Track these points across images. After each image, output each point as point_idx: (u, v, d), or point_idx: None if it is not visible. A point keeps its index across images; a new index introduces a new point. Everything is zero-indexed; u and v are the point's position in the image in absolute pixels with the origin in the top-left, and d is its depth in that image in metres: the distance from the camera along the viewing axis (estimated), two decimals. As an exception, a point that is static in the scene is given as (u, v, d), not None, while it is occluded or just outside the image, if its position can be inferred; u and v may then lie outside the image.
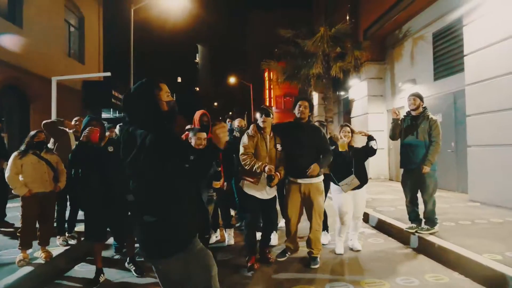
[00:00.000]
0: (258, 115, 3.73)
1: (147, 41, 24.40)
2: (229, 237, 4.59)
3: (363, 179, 4.10)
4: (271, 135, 3.70)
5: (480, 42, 6.31)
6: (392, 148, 10.84)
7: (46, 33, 11.10)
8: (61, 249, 3.96)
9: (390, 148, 10.97)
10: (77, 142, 3.39)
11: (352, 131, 4.21)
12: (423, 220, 4.29)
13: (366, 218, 5.54)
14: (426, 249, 4.04)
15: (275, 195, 3.79)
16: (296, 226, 3.79)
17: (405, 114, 4.51)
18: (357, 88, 11.83)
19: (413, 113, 4.37)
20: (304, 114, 3.73)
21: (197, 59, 57.64)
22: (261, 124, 3.64)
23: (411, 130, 4.31)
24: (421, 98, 4.37)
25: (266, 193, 3.66)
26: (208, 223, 3.95)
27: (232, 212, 5.13)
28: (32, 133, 3.72)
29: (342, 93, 13.81)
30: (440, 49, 8.45)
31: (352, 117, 12.26)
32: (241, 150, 3.58)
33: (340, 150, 4.04)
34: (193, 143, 3.52)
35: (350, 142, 4.16)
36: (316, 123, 4.16)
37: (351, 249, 4.21)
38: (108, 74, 11.29)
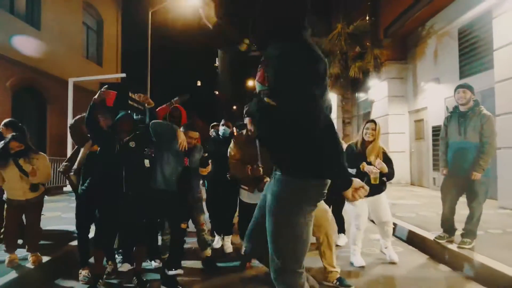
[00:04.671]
0: (246, 118, 3.43)
1: (165, 43, 24.60)
2: (227, 244, 4.18)
3: (378, 189, 3.56)
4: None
5: (511, 36, 5.82)
6: (414, 151, 10.31)
7: (64, 35, 11.25)
8: (52, 254, 3.62)
9: (411, 152, 10.44)
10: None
11: (377, 130, 3.60)
12: (461, 232, 3.73)
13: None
14: (452, 261, 3.61)
15: None
16: None
17: (451, 110, 3.86)
18: (377, 89, 11.36)
19: (462, 108, 3.69)
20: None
21: (217, 63, 57.94)
22: (249, 126, 3.39)
23: (458, 129, 3.67)
24: (471, 90, 3.69)
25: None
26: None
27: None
28: (3, 144, 3.41)
29: (361, 94, 13.34)
30: (467, 45, 7.93)
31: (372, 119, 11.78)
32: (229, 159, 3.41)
33: (372, 182, 3.38)
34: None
35: (374, 141, 3.57)
36: None
37: (388, 262, 3.72)
38: (123, 75, 11.35)
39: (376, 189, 3.47)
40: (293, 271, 1.64)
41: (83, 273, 3.33)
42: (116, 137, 3.20)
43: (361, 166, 3.44)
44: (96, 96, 3.19)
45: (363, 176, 3.45)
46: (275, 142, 1.66)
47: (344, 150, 3.54)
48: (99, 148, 3.27)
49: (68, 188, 9.78)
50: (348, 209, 3.87)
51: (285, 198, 1.64)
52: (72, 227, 4.81)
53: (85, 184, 3.29)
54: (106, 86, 3.26)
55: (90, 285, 3.11)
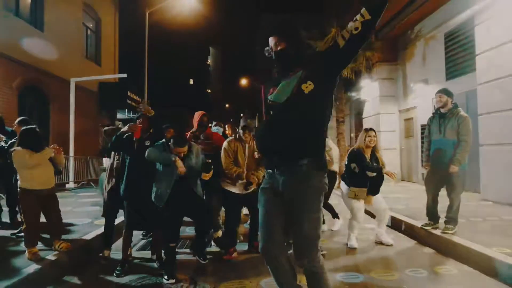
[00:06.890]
0: (242, 124, 4.10)
1: (161, 43, 24.83)
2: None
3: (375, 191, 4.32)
4: (250, 143, 3.99)
5: (491, 42, 6.34)
6: (404, 148, 10.85)
7: (65, 36, 11.50)
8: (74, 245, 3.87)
9: (401, 149, 10.97)
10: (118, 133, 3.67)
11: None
12: (444, 219, 4.20)
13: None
14: (436, 244, 4.11)
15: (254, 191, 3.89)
16: None
17: (434, 111, 4.37)
18: (369, 89, 11.86)
19: (442, 110, 4.22)
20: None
21: (209, 61, 58.01)
22: (242, 137, 3.98)
23: (439, 128, 4.19)
24: (448, 94, 4.20)
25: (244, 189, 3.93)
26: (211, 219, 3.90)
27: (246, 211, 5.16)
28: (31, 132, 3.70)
29: (353, 93, 13.84)
30: (452, 49, 8.46)
31: (364, 118, 12.29)
32: (222, 157, 3.95)
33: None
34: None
35: (375, 147, 4.21)
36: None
37: (381, 243, 4.30)
38: (124, 75, 11.63)
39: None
40: (319, 249, 1.98)
41: (106, 253, 3.90)
42: (134, 139, 3.58)
43: (384, 171, 4.12)
44: (125, 129, 3.63)
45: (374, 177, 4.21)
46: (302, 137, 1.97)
47: (357, 158, 4.15)
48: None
49: (70, 185, 10.07)
50: (348, 203, 4.34)
51: (319, 188, 1.99)
52: (87, 220, 5.20)
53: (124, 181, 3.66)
54: (132, 124, 3.70)
55: (118, 269, 3.44)
